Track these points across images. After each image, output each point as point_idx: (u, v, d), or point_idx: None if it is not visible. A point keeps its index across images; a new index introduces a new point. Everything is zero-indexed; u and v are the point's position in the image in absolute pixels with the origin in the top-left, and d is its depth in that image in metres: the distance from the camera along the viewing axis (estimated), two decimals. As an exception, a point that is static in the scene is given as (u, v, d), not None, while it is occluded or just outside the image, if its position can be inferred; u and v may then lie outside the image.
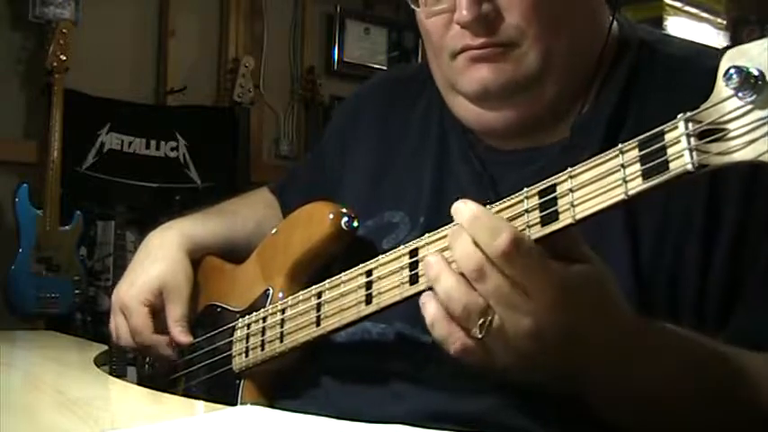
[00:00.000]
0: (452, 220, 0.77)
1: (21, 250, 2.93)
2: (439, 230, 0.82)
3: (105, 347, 1.27)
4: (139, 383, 1.21)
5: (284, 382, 1.05)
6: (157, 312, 1.15)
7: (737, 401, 0.81)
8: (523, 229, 0.74)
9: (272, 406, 0.96)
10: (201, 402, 0.96)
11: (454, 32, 0.94)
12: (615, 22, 0.98)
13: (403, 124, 1.12)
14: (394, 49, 4.09)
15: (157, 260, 1.17)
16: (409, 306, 0.84)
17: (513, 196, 0.77)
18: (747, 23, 4.14)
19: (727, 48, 0.67)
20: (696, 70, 0.90)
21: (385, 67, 3.96)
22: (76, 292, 3.01)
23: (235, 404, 1.03)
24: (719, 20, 4.41)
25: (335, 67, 3.95)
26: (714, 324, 0.85)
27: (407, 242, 0.99)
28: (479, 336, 0.74)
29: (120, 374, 2.39)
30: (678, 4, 4.20)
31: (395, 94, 1.16)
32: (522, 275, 0.72)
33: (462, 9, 0.90)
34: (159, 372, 1.20)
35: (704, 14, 4.34)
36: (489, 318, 0.73)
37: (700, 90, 0.66)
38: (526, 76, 0.92)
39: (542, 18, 0.90)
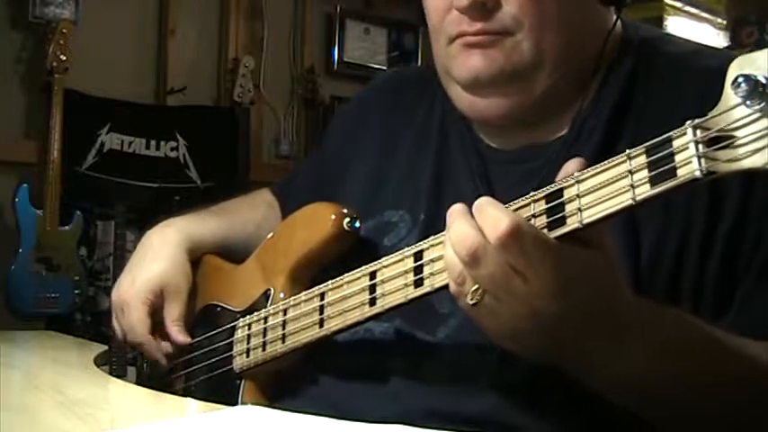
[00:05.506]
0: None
1: (21, 250, 2.92)
2: (443, 234, 0.81)
3: (105, 347, 1.27)
4: (139, 383, 1.21)
5: (284, 382, 1.05)
6: (156, 311, 1.15)
7: (740, 384, 0.81)
8: None
9: (272, 406, 0.96)
10: (201, 402, 0.96)
11: (452, 17, 0.94)
12: (619, 23, 0.98)
13: (405, 123, 1.12)
14: (394, 49, 4.09)
15: (157, 258, 1.17)
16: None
17: (519, 200, 0.76)
18: (747, 23, 4.14)
19: (728, 47, 0.67)
20: (695, 68, 0.90)
21: (385, 68, 3.95)
22: (76, 292, 3.01)
23: (235, 404, 1.03)
24: (719, 20, 4.42)
25: (335, 67, 3.94)
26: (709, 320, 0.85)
27: (409, 240, 0.99)
28: (471, 302, 0.74)
29: (120, 374, 2.39)
30: (678, 4, 4.20)
31: (399, 94, 1.16)
32: (520, 263, 0.72)
33: None
34: (159, 371, 1.20)
35: (704, 14, 4.35)
36: (481, 290, 0.74)
37: (699, 88, 0.66)
38: (517, 66, 0.92)
39: (539, 10, 0.91)
